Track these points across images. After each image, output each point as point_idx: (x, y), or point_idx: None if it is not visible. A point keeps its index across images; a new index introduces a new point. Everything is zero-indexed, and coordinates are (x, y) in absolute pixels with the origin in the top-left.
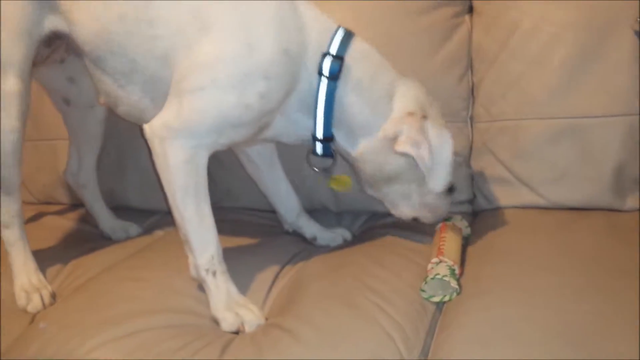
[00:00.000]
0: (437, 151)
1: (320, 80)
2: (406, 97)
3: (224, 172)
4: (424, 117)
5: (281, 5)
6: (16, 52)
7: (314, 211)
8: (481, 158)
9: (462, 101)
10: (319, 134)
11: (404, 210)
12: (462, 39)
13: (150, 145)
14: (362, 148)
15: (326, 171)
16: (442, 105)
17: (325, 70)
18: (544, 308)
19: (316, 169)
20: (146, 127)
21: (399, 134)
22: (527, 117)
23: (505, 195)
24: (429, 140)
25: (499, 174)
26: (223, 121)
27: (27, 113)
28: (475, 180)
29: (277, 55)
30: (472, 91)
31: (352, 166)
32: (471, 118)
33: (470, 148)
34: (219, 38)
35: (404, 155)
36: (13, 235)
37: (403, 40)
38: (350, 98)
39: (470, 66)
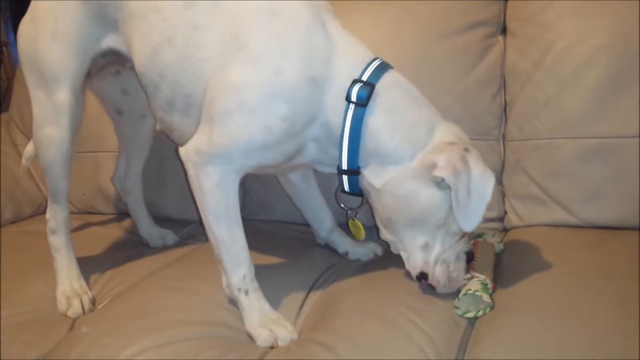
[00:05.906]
0: (476, 187)
1: (348, 107)
2: (447, 132)
3: (260, 185)
4: (467, 149)
5: (314, 33)
6: (70, 67)
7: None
8: (513, 176)
9: (494, 120)
10: (344, 163)
11: (417, 262)
12: (495, 59)
13: (185, 168)
14: (389, 177)
15: (353, 211)
16: (475, 124)
17: (353, 96)
18: (573, 326)
19: (344, 207)
20: (181, 151)
21: (437, 162)
22: (560, 136)
23: (537, 213)
24: (469, 173)
25: (531, 191)
26: (250, 144)
27: (78, 125)
28: (507, 197)
29: (301, 81)
30: (505, 110)
31: (372, 205)
32: (503, 136)
33: (502, 166)
34: (249, 61)
35: (439, 188)
36: (59, 241)
37: (437, 61)
38: (379, 121)
39: (503, 86)
